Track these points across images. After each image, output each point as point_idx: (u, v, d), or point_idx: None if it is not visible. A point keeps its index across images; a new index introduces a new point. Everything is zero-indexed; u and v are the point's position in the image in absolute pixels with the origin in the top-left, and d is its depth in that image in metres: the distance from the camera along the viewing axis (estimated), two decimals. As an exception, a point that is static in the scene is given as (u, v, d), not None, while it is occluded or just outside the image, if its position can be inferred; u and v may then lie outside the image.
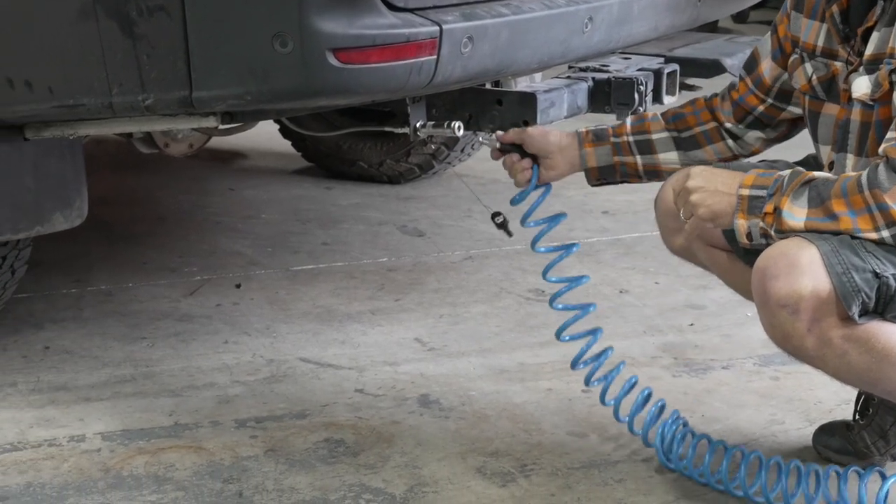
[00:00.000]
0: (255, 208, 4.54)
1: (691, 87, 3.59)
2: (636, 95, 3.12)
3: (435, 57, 2.65)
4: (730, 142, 2.69)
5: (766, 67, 2.62)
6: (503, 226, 2.84)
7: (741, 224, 2.31)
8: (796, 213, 2.25)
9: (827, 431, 2.72)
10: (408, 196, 4.68)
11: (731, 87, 2.68)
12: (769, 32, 2.64)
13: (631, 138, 2.70)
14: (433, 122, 2.97)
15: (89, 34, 2.64)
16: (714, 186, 2.35)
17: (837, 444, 2.68)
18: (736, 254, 2.53)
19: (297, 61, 2.50)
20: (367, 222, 4.37)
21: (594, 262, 3.96)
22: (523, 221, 2.75)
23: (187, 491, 2.58)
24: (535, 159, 2.73)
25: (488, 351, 3.29)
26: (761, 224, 2.29)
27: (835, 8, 2.44)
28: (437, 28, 2.63)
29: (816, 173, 2.31)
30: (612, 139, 2.71)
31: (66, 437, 2.81)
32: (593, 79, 3.16)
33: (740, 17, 8.64)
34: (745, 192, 2.32)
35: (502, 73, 2.93)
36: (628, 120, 2.74)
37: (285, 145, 4.96)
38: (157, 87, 2.63)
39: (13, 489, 2.59)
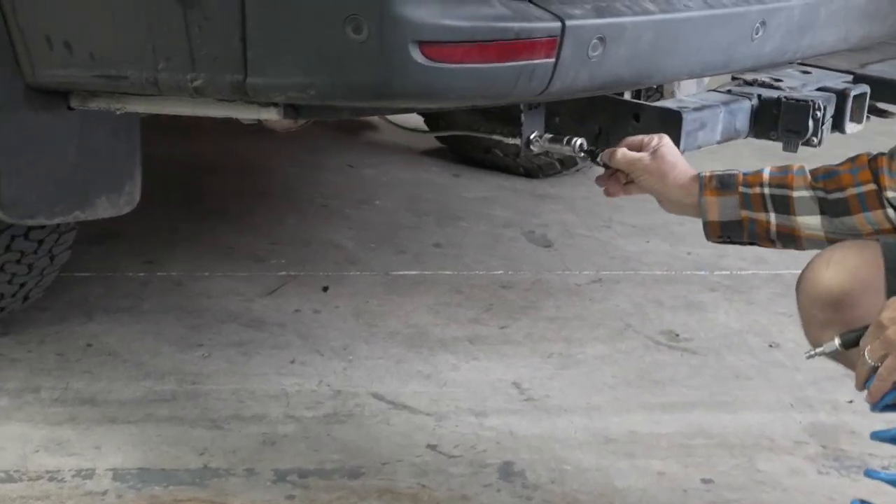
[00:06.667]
0: (370, 192, 4.04)
1: (883, 113, 2.95)
2: (810, 122, 2.51)
3: (553, 60, 2.10)
4: (891, 212, 2.05)
5: None
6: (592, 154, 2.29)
7: None
8: None
9: None
10: (543, 194, 4.13)
11: None
12: None
13: (767, 191, 2.10)
14: (551, 136, 2.42)
15: (136, -6, 2.17)
16: None
17: None
18: None
19: (373, 53, 1.97)
20: (491, 222, 3.84)
21: (744, 302, 3.36)
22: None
23: (191, 566, 2.11)
24: None
25: (597, 409, 2.73)
26: None
27: None
28: (558, 24, 2.08)
29: None
30: (742, 189, 2.11)
31: (73, 470, 2.36)
32: (759, 96, 2.56)
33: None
34: None
35: (640, 84, 2.37)
36: (766, 169, 2.13)
37: (419, 120, 4.44)
38: (208, 67, 2.14)
39: (-11, 536, 2.15)
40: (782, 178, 2.10)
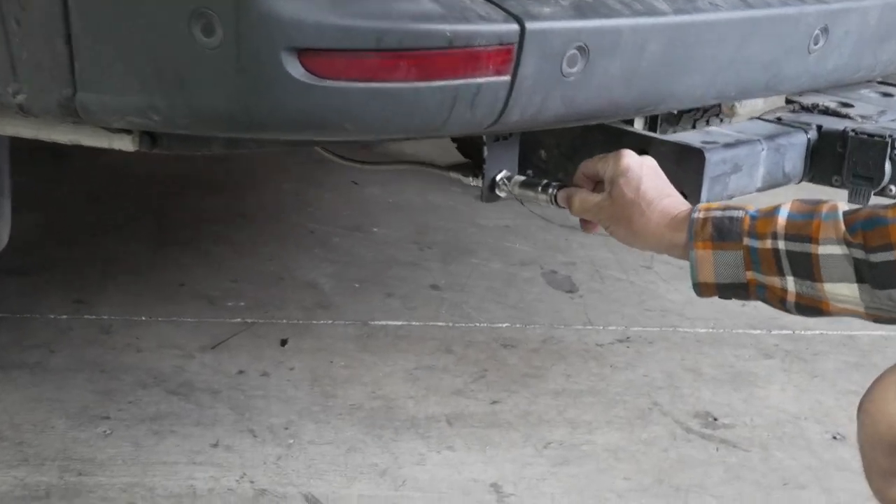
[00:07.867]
0: (370, 216, 3.43)
1: None
2: (888, 165, 1.86)
3: (507, 78, 1.47)
4: None
5: None
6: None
7: None
8: None
9: None
10: (576, 224, 3.47)
11: None
12: None
13: (782, 245, 1.44)
14: (523, 178, 1.79)
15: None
16: None
17: None
18: None
19: (231, 65, 1.36)
20: (507, 258, 3.20)
21: (806, 375, 2.69)
22: None
23: None
24: None
25: (596, 529, 2.10)
26: None
27: None
28: (515, 27, 1.45)
29: None
30: (748, 240, 1.46)
31: None
32: (819, 128, 1.91)
33: None
34: None
35: (643, 111, 1.73)
36: (784, 208, 1.46)
37: (443, 130, 3.81)
38: (31, 77, 1.55)
39: None
40: (804, 226, 1.43)
